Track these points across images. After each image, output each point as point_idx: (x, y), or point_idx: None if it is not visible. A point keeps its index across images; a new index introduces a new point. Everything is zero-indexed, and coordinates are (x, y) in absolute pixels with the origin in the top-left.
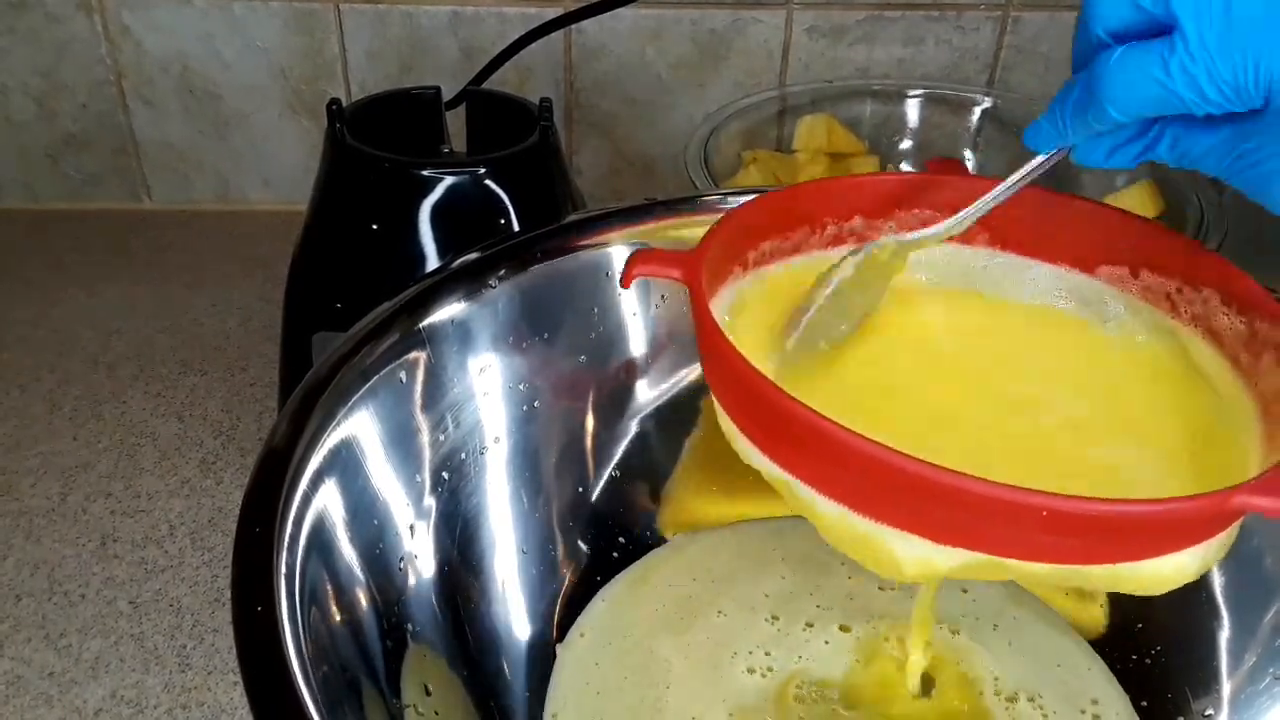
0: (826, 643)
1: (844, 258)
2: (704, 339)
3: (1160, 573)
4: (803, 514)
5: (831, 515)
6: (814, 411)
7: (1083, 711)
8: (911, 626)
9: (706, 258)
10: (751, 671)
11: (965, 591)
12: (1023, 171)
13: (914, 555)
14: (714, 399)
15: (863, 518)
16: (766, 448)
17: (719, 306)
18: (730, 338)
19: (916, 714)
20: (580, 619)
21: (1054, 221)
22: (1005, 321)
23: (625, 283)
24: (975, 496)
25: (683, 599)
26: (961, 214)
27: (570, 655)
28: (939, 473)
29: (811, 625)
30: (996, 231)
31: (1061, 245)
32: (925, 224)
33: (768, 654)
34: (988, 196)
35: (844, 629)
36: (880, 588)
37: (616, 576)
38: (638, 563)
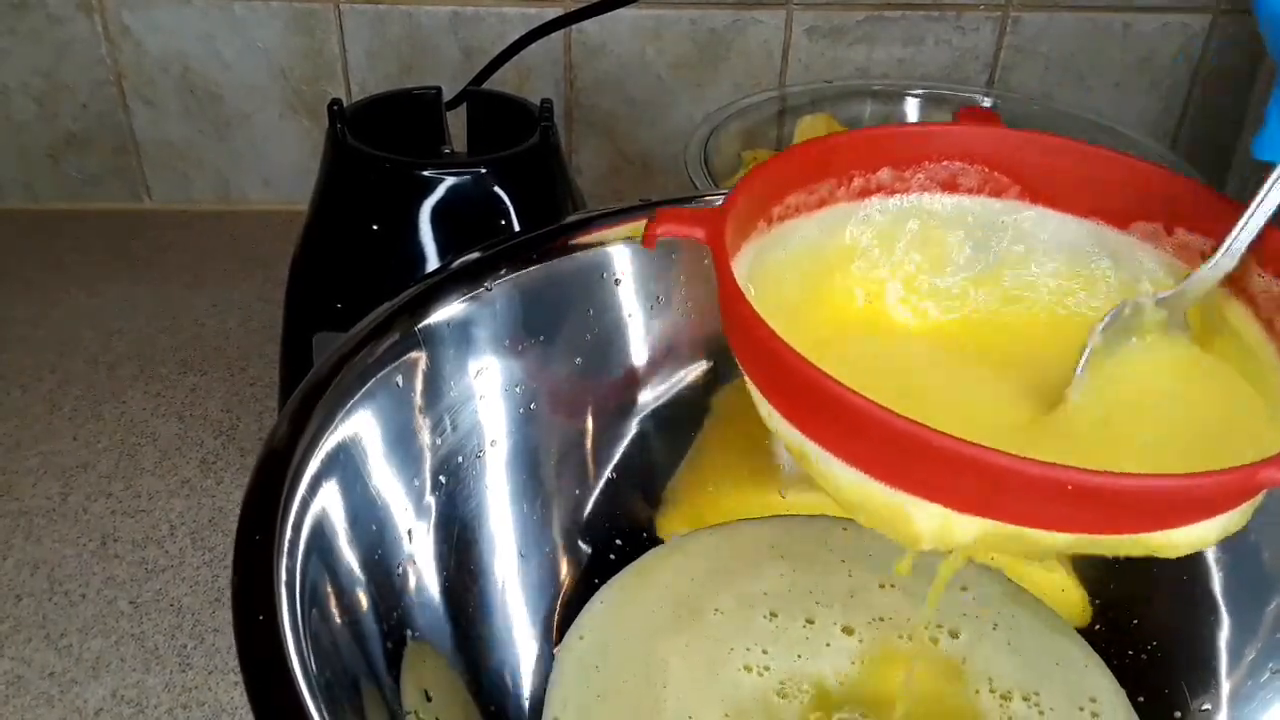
0: (828, 644)
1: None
2: (725, 302)
3: (1187, 539)
4: (820, 480)
5: (850, 482)
6: (842, 384)
7: (1081, 709)
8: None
9: (731, 215)
10: (748, 670)
11: (964, 589)
12: (1266, 189)
13: (933, 525)
14: (738, 363)
15: (884, 486)
16: (787, 412)
17: (741, 264)
18: (752, 300)
19: (914, 713)
20: (578, 621)
21: (1087, 175)
22: (1036, 293)
23: (647, 243)
24: (1007, 472)
25: (681, 598)
26: (1211, 262)
27: (569, 658)
28: (968, 447)
29: (811, 622)
30: (1028, 184)
31: (1095, 199)
32: (955, 176)
33: (765, 652)
34: (1236, 235)
35: (846, 630)
36: (880, 585)
37: (614, 578)
38: (635, 563)
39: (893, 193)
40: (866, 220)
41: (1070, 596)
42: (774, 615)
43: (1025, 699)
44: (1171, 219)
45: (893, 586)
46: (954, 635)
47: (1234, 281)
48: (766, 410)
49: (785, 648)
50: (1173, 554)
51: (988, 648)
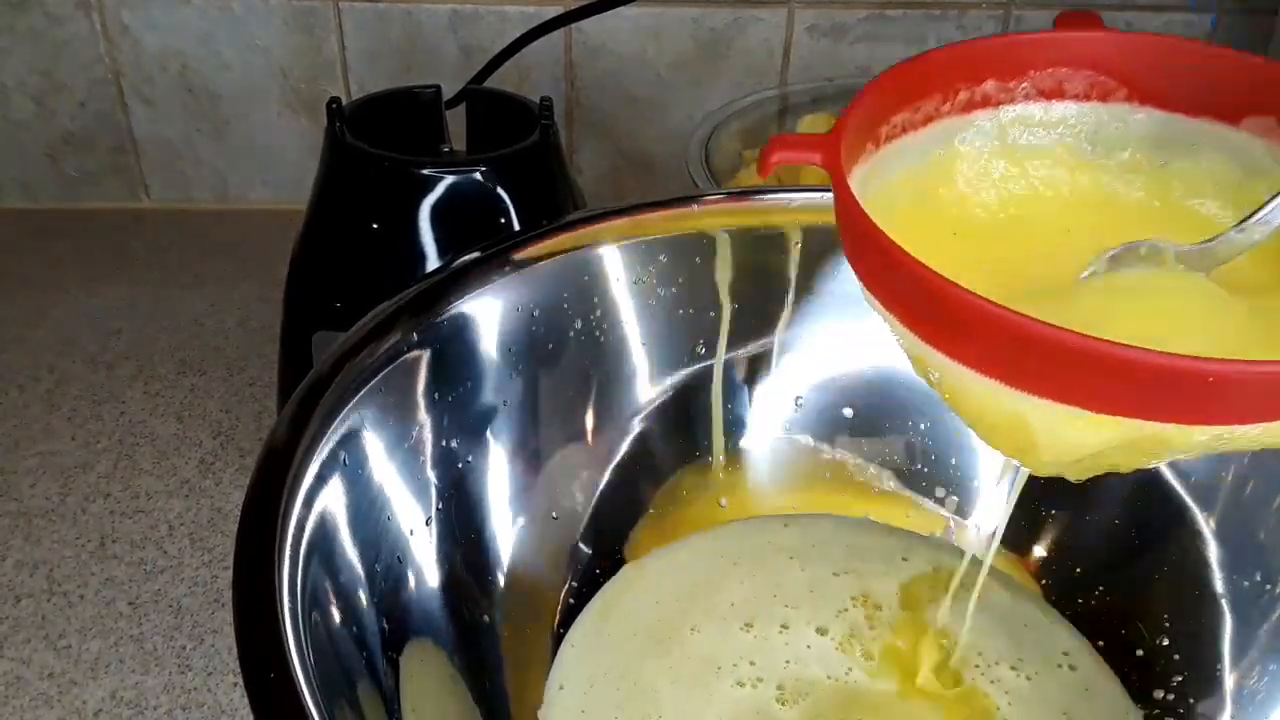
0: (808, 646)
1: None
2: (845, 219)
3: None
4: (949, 396)
5: (982, 393)
6: (980, 296)
7: (1059, 666)
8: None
9: (844, 137)
10: (741, 685)
11: (935, 571)
12: None
13: (1070, 437)
14: (860, 284)
15: (1017, 392)
16: (918, 327)
17: (853, 185)
18: (873, 217)
19: (907, 698)
20: (554, 673)
21: (1195, 72)
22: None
23: (764, 171)
24: (1149, 367)
25: (653, 624)
26: (1240, 226)
27: (554, 711)
28: (1112, 347)
29: (787, 627)
30: (1136, 86)
31: (1205, 96)
32: (1061, 84)
33: (752, 664)
34: (1272, 207)
35: (820, 630)
36: (834, 574)
37: (578, 619)
38: (596, 599)
39: (998, 104)
40: (973, 133)
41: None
42: (749, 625)
43: (1013, 668)
44: None
45: (846, 574)
46: (921, 613)
47: None
48: (898, 332)
49: (769, 656)
50: None
51: (967, 621)
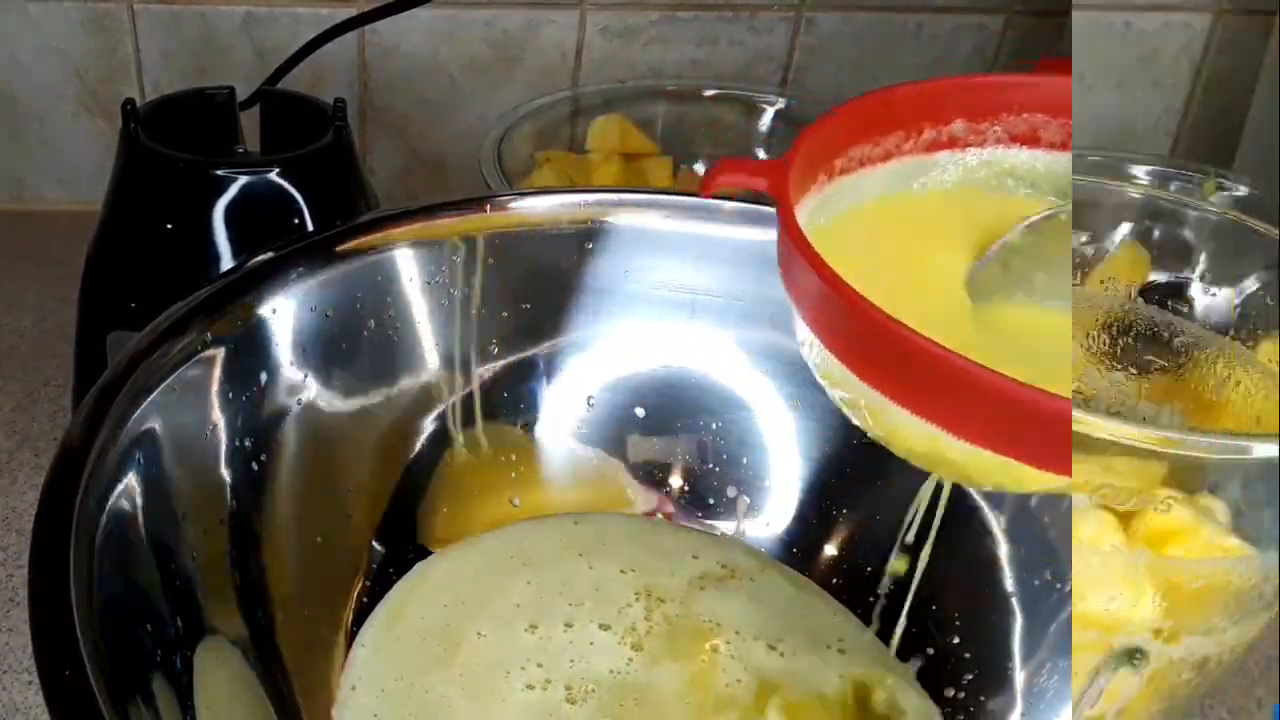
0: (591, 644)
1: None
2: (788, 251)
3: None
4: (883, 434)
5: (923, 437)
6: (945, 348)
7: (828, 646)
8: None
9: (794, 165)
10: (531, 688)
11: (723, 567)
12: None
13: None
14: (799, 320)
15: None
16: (862, 371)
17: (800, 217)
18: (819, 251)
19: (683, 688)
20: (347, 673)
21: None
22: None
23: (706, 192)
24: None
25: (440, 629)
26: None
27: (347, 714)
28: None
29: (570, 625)
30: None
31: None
32: (1035, 130)
33: (539, 666)
34: None
35: (603, 626)
36: (622, 571)
37: (369, 619)
38: (386, 599)
39: (966, 146)
40: (936, 173)
41: None
42: (534, 627)
43: (771, 647)
44: None
45: (633, 571)
46: (701, 606)
47: None
48: (833, 369)
49: (554, 656)
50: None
51: (736, 611)
